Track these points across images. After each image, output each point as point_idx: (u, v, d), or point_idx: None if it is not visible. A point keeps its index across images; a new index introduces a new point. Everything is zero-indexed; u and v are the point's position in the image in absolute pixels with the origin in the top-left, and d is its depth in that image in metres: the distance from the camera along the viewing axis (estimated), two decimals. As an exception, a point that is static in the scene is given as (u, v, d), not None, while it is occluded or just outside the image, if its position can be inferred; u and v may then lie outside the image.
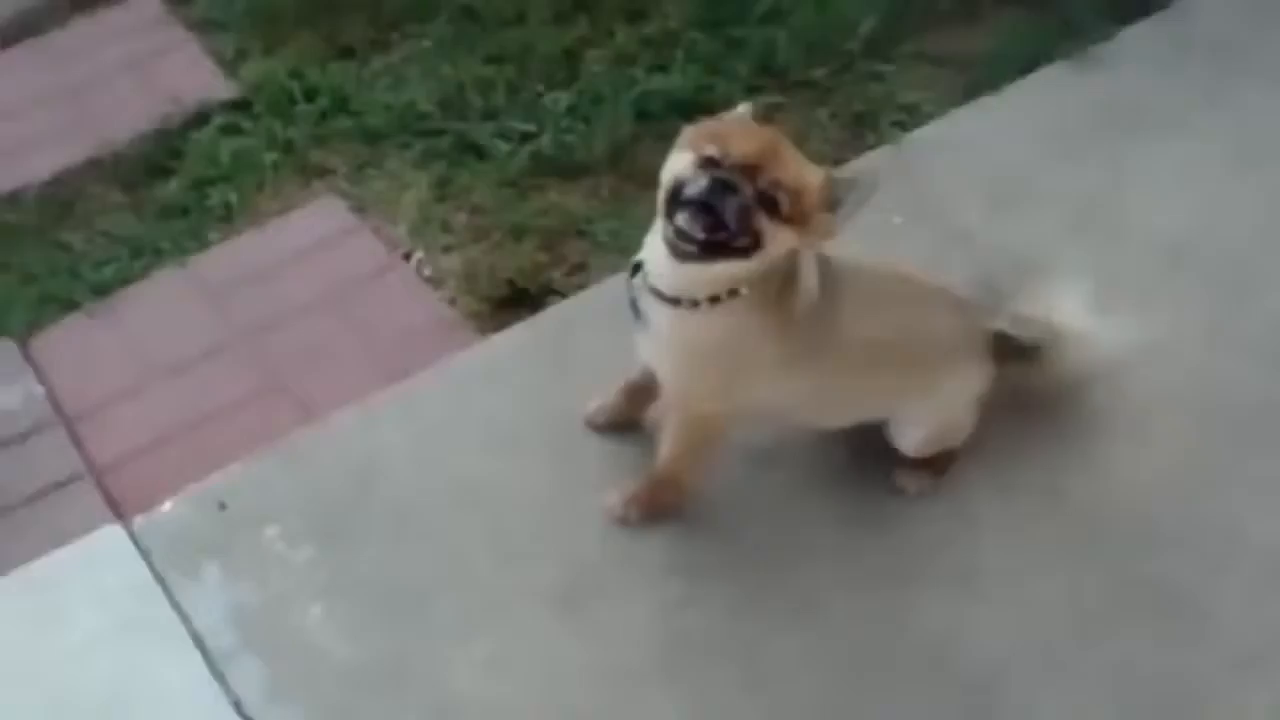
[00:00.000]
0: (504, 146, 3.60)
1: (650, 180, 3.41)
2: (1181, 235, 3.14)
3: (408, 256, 3.35)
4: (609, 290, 3.10)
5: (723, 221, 2.15)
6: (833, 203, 2.26)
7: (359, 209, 3.48)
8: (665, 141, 3.52)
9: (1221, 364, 2.87)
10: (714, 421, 2.51)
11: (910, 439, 2.60)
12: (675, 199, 2.20)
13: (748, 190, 2.15)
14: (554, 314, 3.09)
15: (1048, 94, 3.59)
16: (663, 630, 2.50)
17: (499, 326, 3.13)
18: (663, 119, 3.64)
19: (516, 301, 3.20)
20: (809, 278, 2.38)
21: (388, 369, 3.02)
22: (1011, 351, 2.65)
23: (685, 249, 2.19)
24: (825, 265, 2.43)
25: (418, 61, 3.92)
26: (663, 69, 3.81)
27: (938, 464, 2.67)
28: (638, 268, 2.41)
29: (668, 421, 2.55)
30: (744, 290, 2.30)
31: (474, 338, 3.11)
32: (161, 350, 3.13)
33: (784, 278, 2.35)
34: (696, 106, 3.61)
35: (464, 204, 3.47)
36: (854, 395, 2.57)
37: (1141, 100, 3.54)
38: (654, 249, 2.33)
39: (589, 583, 2.57)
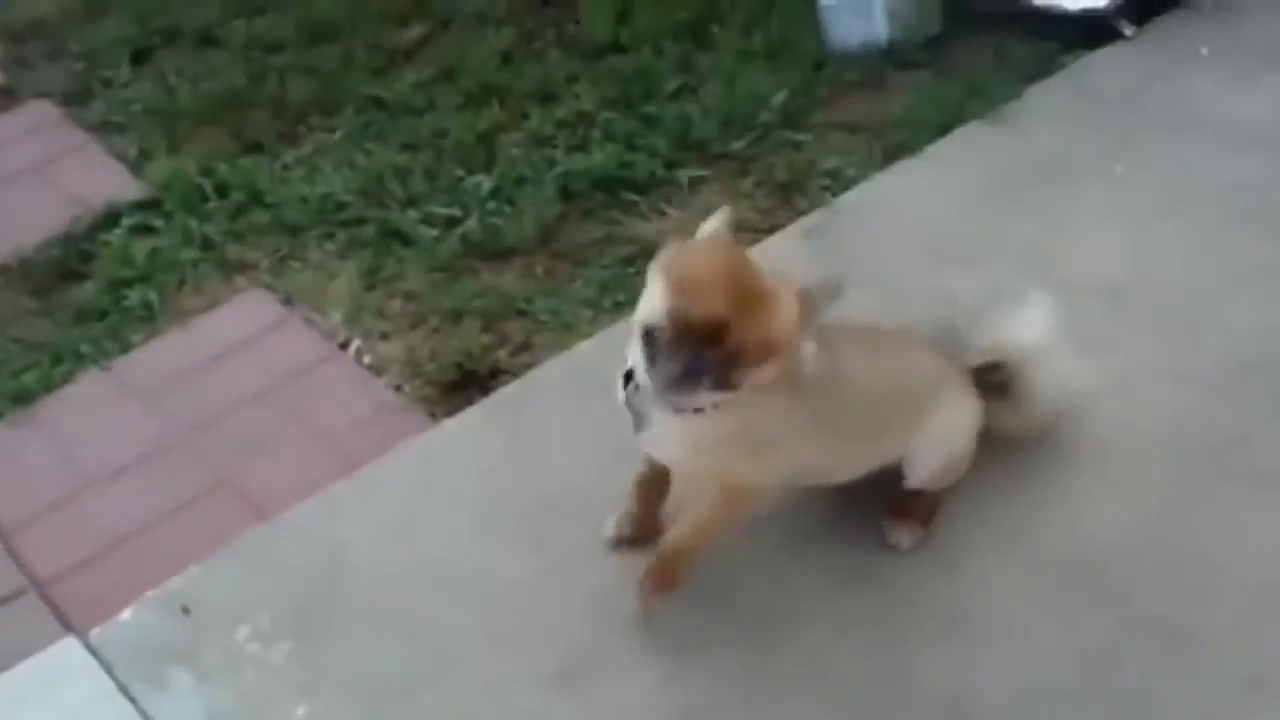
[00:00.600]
0: (430, 232, 3.54)
1: (581, 257, 3.45)
2: (1120, 279, 3.19)
3: (344, 345, 3.25)
4: (559, 366, 3.07)
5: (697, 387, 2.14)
6: (811, 312, 2.22)
7: (287, 301, 3.39)
8: (592, 218, 3.58)
9: (1181, 401, 2.90)
10: (755, 493, 2.45)
11: (922, 472, 2.59)
12: (650, 342, 2.16)
13: (716, 355, 2.11)
14: (507, 393, 3.02)
15: (966, 153, 3.65)
16: (668, 704, 2.42)
17: (450, 410, 3.04)
18: (588, 196, 3.63)
19: (465, 384, 3.11)
20: (807, 349, 2.33)
21: (339, 459, 2.91)
22: (984, 390, 2.66)
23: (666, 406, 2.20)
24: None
25: (330, 153, 3.87)
26: (581, 149, 3.81)
27: (923, 514, 2.66)
28: (629, 377, 2.33)
29: (697, 494, 2.46)
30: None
31: (426, 422, 3.02)
32: (94, 456, 2.98)
33: None
34: (620, 182, 3.65)
35: (396, 290, 3.39)
36: (868, 444, 2.54)
37: (1057, 153, 3.63)
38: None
39: (585, 661, 2.48)
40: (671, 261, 2.19)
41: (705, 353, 2.10)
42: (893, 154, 3.70)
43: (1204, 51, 3.97)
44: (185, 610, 2.57)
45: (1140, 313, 3.10)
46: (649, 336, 2.14)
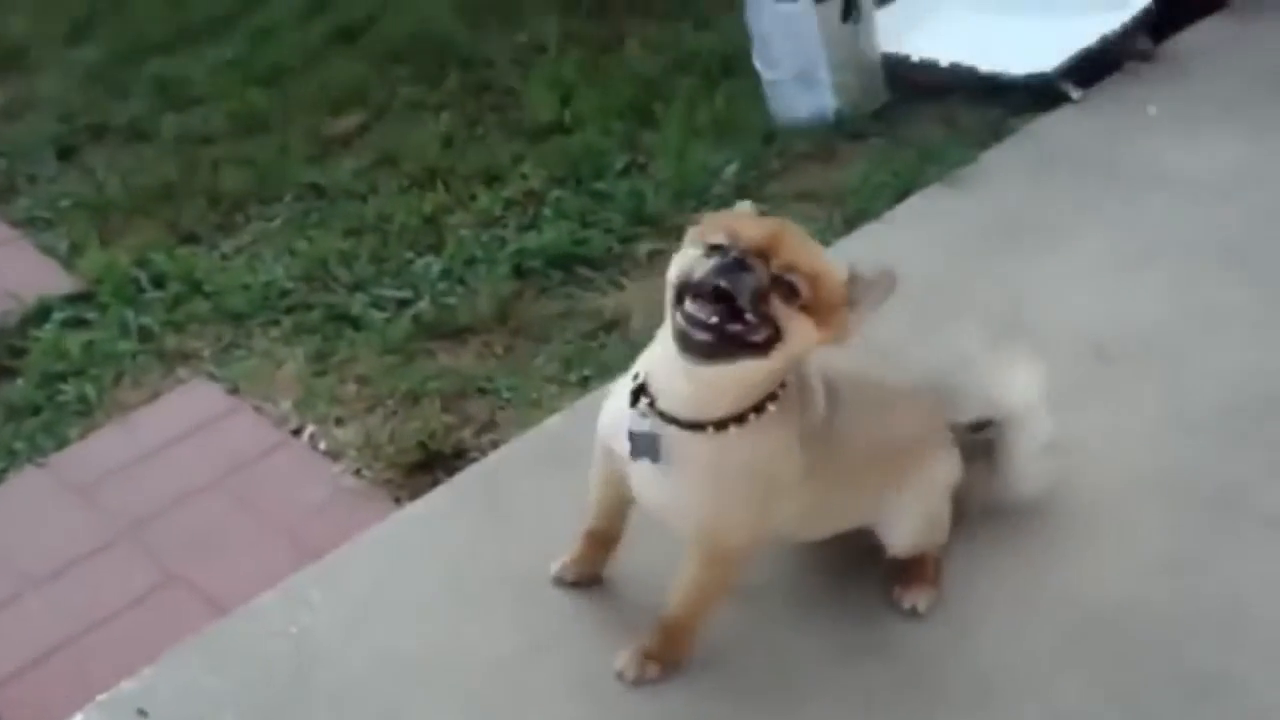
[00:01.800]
0: (380, 315, 3.41)
1: (541, 334, 3.32)
2: (1099, 333, 3.12)
3: (297, 433, 3.08)
4: (527, 442, 2.93)
5: (737, 306, 1.93)
6: (861, 292, 2.06)
7: (233, 390, 3.22)
8: (548, 295, 3.46)
9: (1177, 450, 2.81)
10: (745, 552, 2.29)
11: (900, 536, 2.45)
12: (684, 290, 1.97)
13: (762, 271, 1.96)
14: (475, 472, 2.86)
15: (928, 216, 3.60)
16: (675, 787, 2.23)
17: (415, 493, 2.88)
18: (543, 274, 3.52)
19: (430, 465, 2.95)
20: (818, 387, 2.20)
21: (298, 549, 2.73)
22: (973, 450, 2.56)
23: (699, 339, 1.96)
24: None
25: (270, 241, 3.73)
26: (532, 227, 3.70)
27: (930, 574, 2.52)
28: (637, 395, 2.15)
29: (688, 561, 2.30)
30: (771, 408, 2.10)
31: (389, 506, 2.85)
32: (33, 556, 2.78)
33: (798, 388, 2.16)
34: (575, 259, 3.56)
35: (348, 375, 3.25)
36: (848, 500, 2.40)
37: (1020, 213, 3.59)
38: (661, 368, 2.10)
39: (583, 743, 2.28)
40: (707, 219, 2.07)
41: (748, 264, 1.93)
42: (853, 220, 3.63)
43: (1151, 110, 3.98)
44: (142, 714, 2.36)
45: (1123, 365, 3.02)
46: (685, 284, 1.96)
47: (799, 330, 1.99)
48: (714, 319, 1.93)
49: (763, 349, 1.97)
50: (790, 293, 1.96)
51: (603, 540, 2.51)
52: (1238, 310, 3.18)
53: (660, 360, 2.09)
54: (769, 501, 2.20)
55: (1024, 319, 3.15)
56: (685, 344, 1.97)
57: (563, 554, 2.56)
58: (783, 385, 2.11)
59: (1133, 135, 3.86)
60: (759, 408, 2.08)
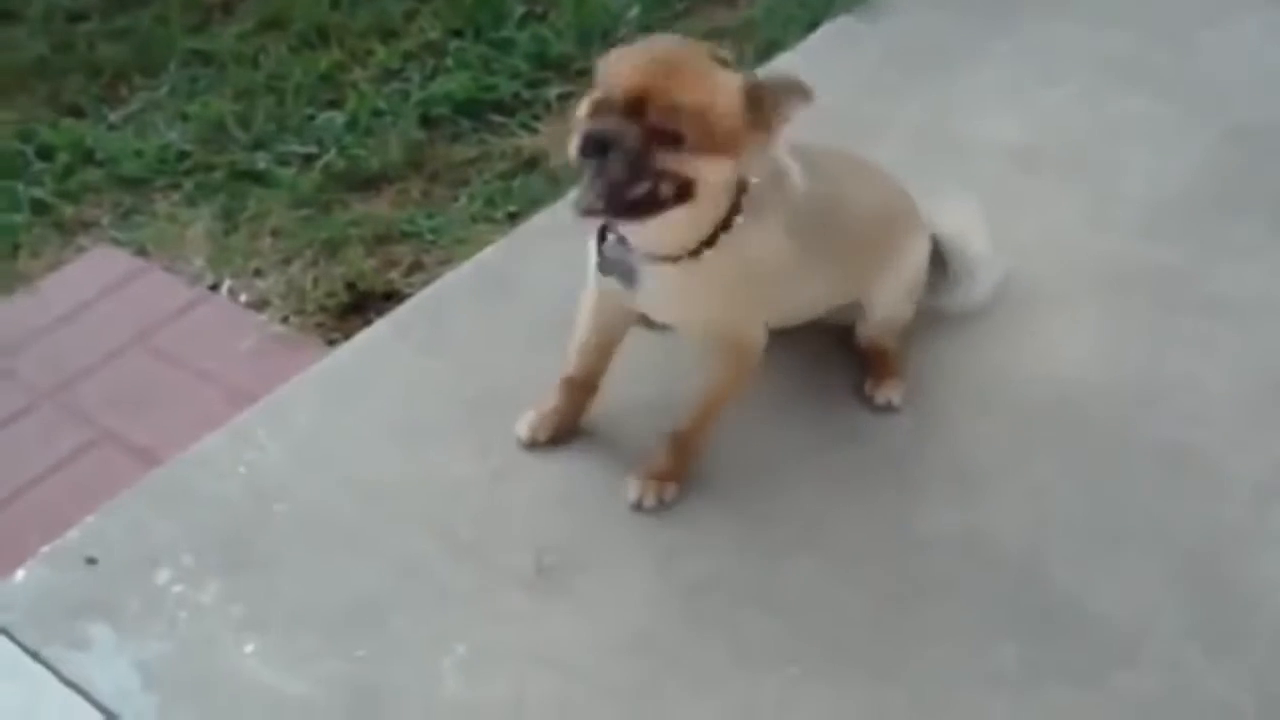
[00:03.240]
0: (287, 171, 3.25)
1: (458, 177, 3.22)
2: (1020, 143, 3.13)
3: (214, 288, 2.93)
4: (465, 274, 2.85)
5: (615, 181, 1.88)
6: (766, 107, 1.98)
7: (141, 253, 3.05)
8: (461, 141, 3.34)
9: (1109, 245, 2.84)
10: (759, 342, 2.24)
11: (879, 310, 2.44)
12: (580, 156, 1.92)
13: (632, 132, 1.87)
14: (412, 306, 2.76)
15: (843, 43, 3.55)
16: (669, 583, 2.18)
17: (348, 334, 2.76)
18: (451, 121, 3.42)
19: (361, 307, 2.84)
20: (790, 164, 2.15)
21: (232, 397, 2.62)
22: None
23: (595, 218, 1.95)
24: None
25: (159, 108, 3.54)
26: (435, 77, 3.54)
27: (899, 369, 2.50)
28: (604, 233, 2.11)
29: (703, 367, 2.26)
30: (739, 219, 2.05)
31: (323, 349, 2.72)
32: (-50, 429, 2.59)
33: (771, 181, 2.10)
34: (483, 105, 3.44)
35: (261, 230, 3.10)
36: (846, 269, 2.36)
37: (930, 40, 3.56)
38: None
39: (562, 557, 2.22)
40: (611, 55, 2.00)
41: (611, 138, 1.86)
42: (765, 52, 3.56)
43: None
44: (91, 561, 2.22)
45: (1045, 172, 3.03)
46: (578, 149, 1.91)
47: (704, 170, 1.93)
48: (600, 205, 1.90)
49: (680, 198, 1.92)
50: (674, 140, 1.89)
51: (583, 388, 2.41)
52: (1143, 119, 3.20)
53: None
54: (770, 291, 2.17)
55: (943, 135, 3.13)
56: (599, 209, 1.93)
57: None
58: (744, 190, 2.04)
59: (1032, -41, 3.82)
60: (726, 224, 2.03)
